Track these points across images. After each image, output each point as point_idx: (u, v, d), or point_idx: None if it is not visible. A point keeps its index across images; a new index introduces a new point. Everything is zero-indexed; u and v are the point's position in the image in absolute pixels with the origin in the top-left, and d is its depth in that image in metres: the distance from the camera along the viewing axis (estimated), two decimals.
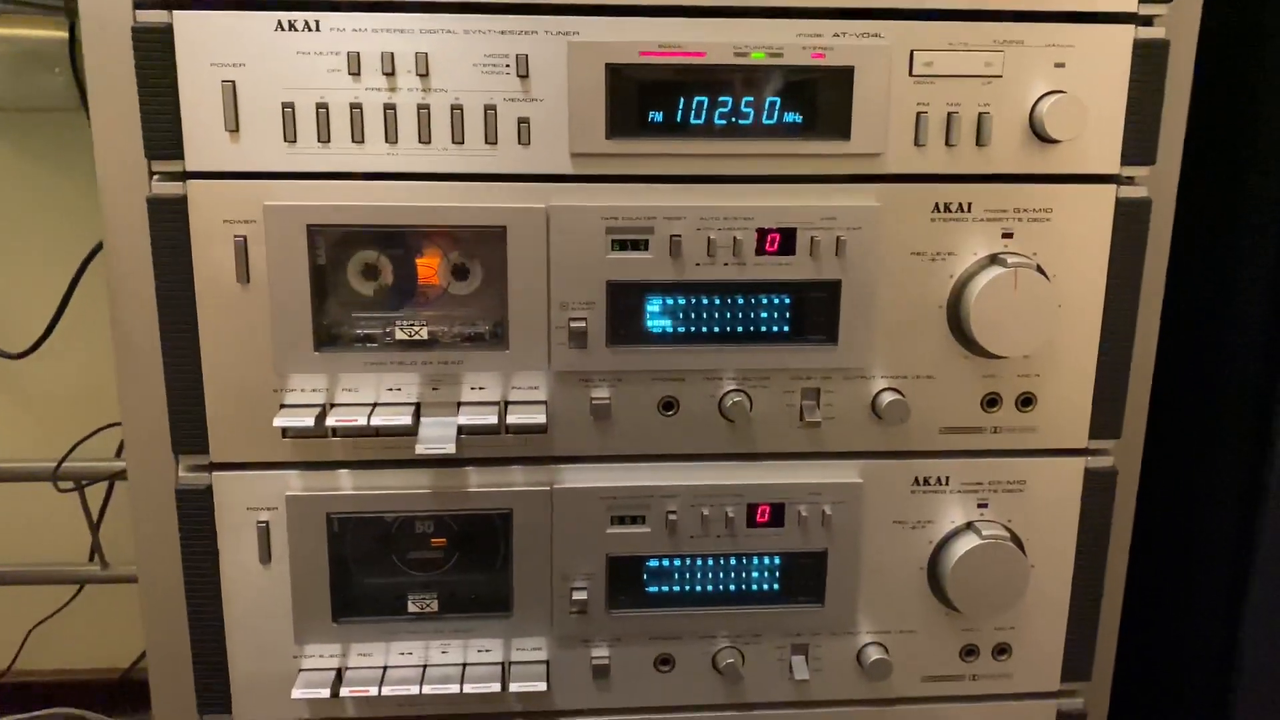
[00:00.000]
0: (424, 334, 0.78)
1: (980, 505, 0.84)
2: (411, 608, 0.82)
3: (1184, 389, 0.95)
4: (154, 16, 0.71)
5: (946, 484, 0.83)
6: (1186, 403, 0.96)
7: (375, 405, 0.78)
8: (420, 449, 0.76)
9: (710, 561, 0.84)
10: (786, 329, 0.80)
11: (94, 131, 0.75)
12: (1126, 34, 0.76)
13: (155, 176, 0.74)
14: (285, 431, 0.77)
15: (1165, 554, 1.00)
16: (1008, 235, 0.79)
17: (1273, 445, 0.86)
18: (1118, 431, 0.84)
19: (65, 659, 1.50)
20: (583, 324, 0.77)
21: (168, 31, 0.71)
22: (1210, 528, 0.94)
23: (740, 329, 0.80)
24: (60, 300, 1.24)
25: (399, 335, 0.78)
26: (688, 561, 0.83)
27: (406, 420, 0.76)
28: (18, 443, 1.39)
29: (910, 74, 0.76)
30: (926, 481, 0.83)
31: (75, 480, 1.29)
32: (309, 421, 0.75)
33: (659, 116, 0.75)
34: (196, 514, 0.79)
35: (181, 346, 0.76)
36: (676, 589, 0.84)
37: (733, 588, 0.84)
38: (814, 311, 0.79)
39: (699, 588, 0.84)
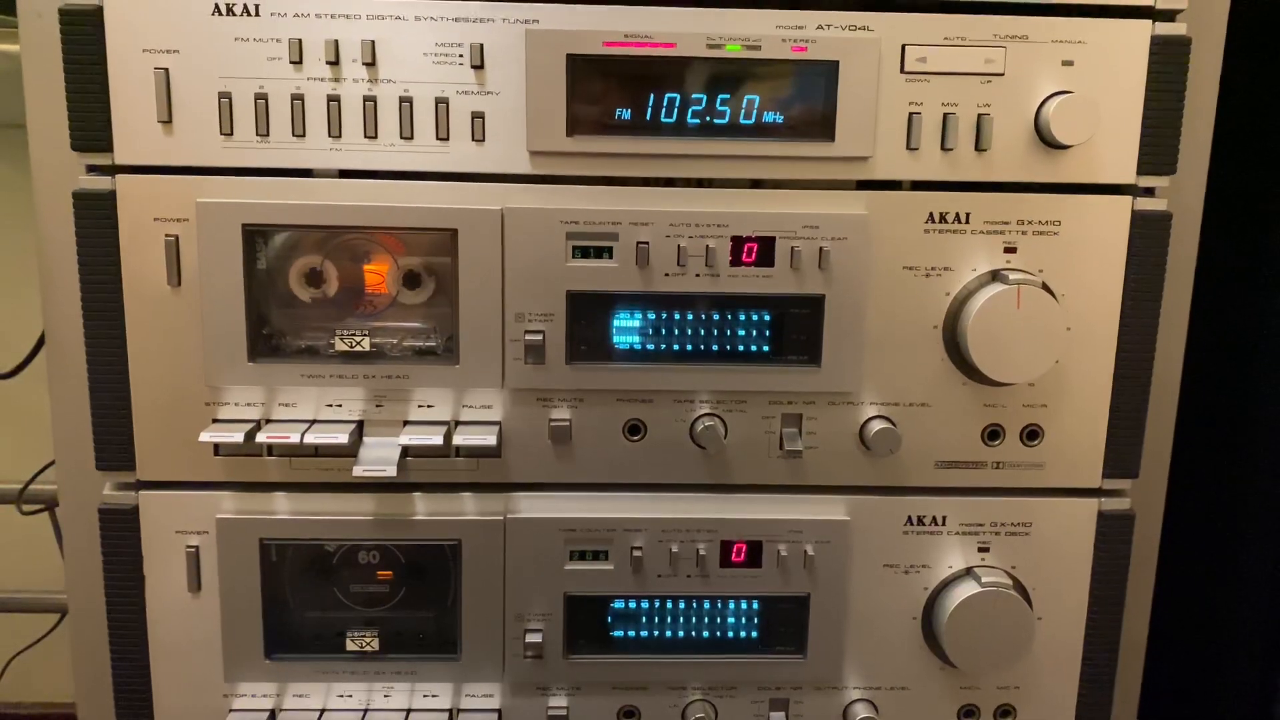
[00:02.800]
0: (367, 345, 0.72)
1: (981, 549, 0.76)
2: (351, 646, 0.75)
3: (1214, 422, 0.86)
4: None
5: (943, 524, 0.75)
6: (1216, 438, 0.87)
7: (313, 422, 0.72)
8: (359, 470, 0.70)
9: (680, 604, 0.76)
10: (765, 348, 0.73)
11: (29, 124, 0.71)
12: (1143, 30, 0.69)
13: (83, 170, 0.69)
14: (216, 448, 0.71)
15: (1193, 604, 0.90)
16: (1011, 249, 0.72)
17: None
18: (1135, 470, 0.75)
19: (48, 690, 1.44)
20: (540, 337, 0.71)
21: (98, 14, 0.67)
22: (1244, 575, 0.85)
23: (714, 346, 0.73)
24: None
25: (340, 346, 0.72)
26: (655, 604, 0.76)
27: (343, 439, 0.70)
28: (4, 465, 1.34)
29: (902, 70, 0.69)
30: (921, 521, 0.75)
31: (47, 503, 1.24)
32: (239, 437, 0.69)
33: (625, 113, 0.69)
34: (121, 536, 0.73)
35: (107, 353, 0.71)
36: (643, 634, 0.76)
37: (705, 634, 0.77)
38: (795, 329, 0.72)
39: (667, 633, 0.76)
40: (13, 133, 1.25)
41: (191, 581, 0.73)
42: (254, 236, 0.70)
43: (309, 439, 0.70)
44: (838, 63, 0.69)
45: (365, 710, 0.76)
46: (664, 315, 0.72)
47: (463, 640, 0.75)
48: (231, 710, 0.75)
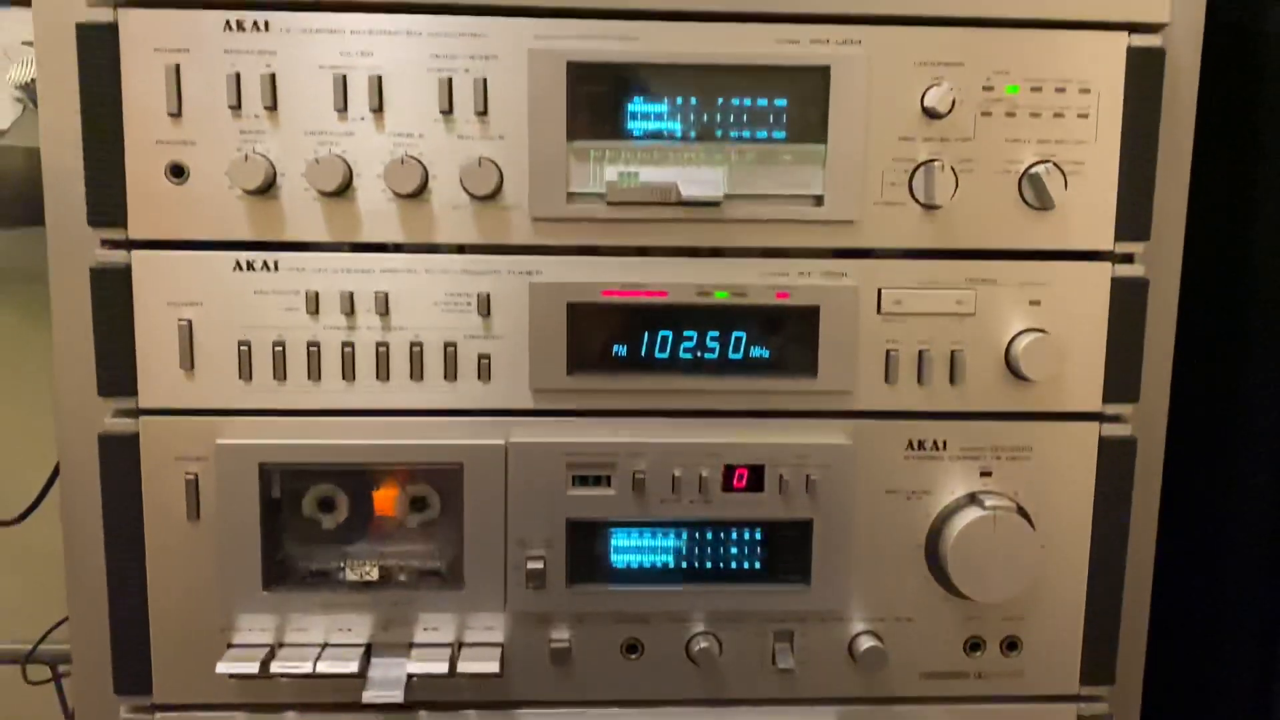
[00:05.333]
0: (375, 574, 0.75)
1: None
2: None
3: (1183, 627, 0.90)
4: (114, 257, 0.71)
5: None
6: (1186, 642, 0.91)
7: (325, 646, 0.75)
8: (368, 696, 0.72)
9: None
10: (758, 566, 0.76)
11: (54, 363, 0.75)
12: (1104, 271, 0.75)
13: (109, 413, 0.73)
14: (231, 677, 0.74)
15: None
16: (986, 474, 0.76)
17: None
18: (1111, 677, 0.78)
19: None
20: (541, 564, 0.74)
21: (126, 272, 0.71)
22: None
23: (709, 565, 0.76)
24: (51, 471, 1.23)
25: (350, 576, 0.75)
26: None
27: (354, 667, 0.73)
28: (9, 614, 1.35)
29: (879, 311, 0.74)
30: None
31: (50, 663, 1.26)
32: (253, 668, 0.72)
33: (622, 351, 0.74)
34: None
35: (128, 586, 0.74)
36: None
37: None
38: (786, 551, 0.76)
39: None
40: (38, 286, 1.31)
41: None
42: (270, 471, 0.74)
43: (321, 668, 0.73)
44: (818, 307, 0.73)
45: None
46: (659, 539, 0.76)
47: None
48: None
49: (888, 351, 0.74)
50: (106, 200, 0.70)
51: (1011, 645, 0.78)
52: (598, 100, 0.71)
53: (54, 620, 1.25)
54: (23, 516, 1.24)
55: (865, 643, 0.76)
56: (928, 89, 0.71)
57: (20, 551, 1.37)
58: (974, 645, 0.78)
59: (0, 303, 1.35)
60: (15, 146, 0.80)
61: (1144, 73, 0.72)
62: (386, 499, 0.76)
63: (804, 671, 0.77)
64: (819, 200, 0.72)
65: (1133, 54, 0.72)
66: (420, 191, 0.71)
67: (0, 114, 1.06)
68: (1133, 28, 0.72)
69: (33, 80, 0.98)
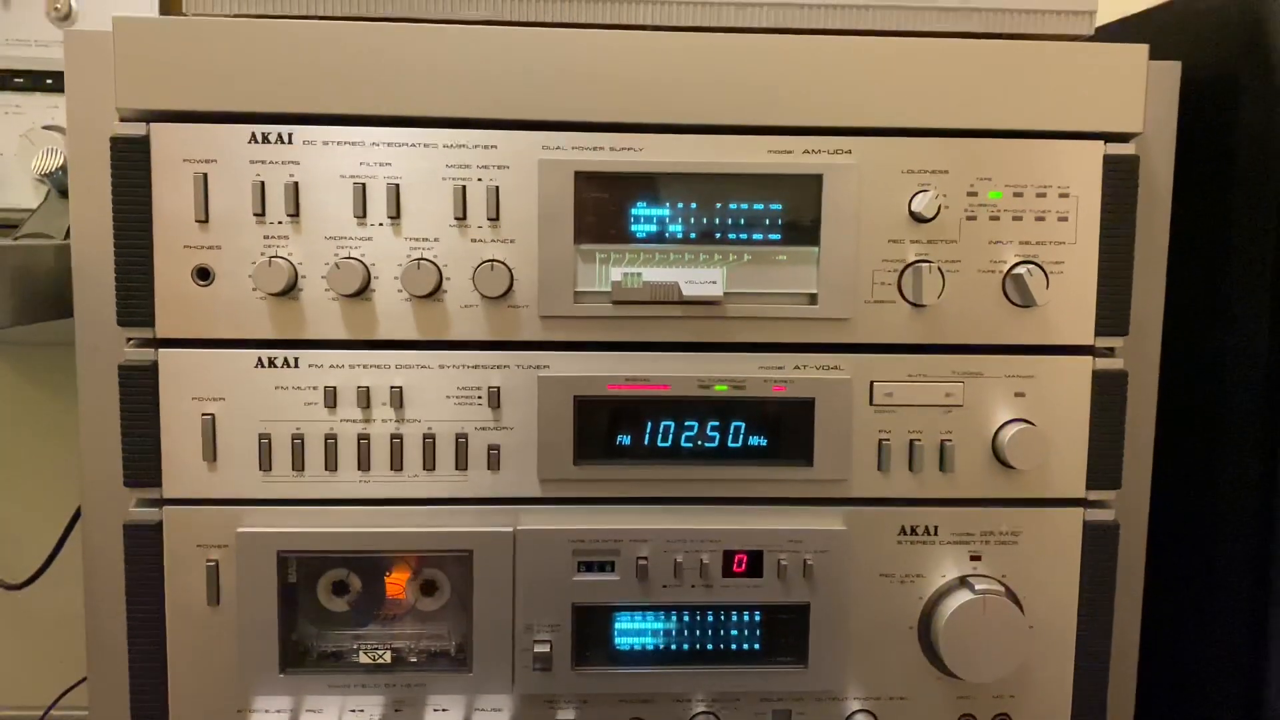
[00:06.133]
0: (388, 657, 0.78)
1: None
2: None
3: (1170, 704, 0.93)
4: (141, 355, 0.74)
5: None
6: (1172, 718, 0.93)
7: None
8: None
9: None
10: (757, 647, 0.79)
11: (82, 456, 0.78)
12: (1085, 365, 0.78)
13: (134, 503, 0.76)
14: None
15: None
16: (976, 558, 0.79)
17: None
18: None
19: None
20: (547, 648, 0.77)
21: (153, 369, 0.74)
22: None
23: (710, 647, 0.79)
24: (61, 532, 1.25)
25: (363, 659, 0.78)
26: None
27: None
28: (11, 681, 1.37)
29: (871, 403, 0.77)
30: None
31: None
32: None
33: (626, 440, 0.77)
34: None
35: (149, 668, 0.76)
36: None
37: None
38: (783, 633, 0.79)
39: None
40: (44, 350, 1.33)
41: None
42: (287, 559, 0.77)
43: None
44: (813, 399, 0.77)
45: None
46: (662, 622, 0.78)
47: None
48: None
49: (880, 441, 0.78)
50: (136, 301, 0.74)
51: None
52: (603, 206, 0.75)
53: (63, 687, 1.28)
54: (30, 581, 1.27)
55: None
56: (915, 194, 0.75)
57: (24, 617, 1.39)
58: None
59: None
60: (45, 246, 0.83)
61: (1119, 178, 0.76)
62: (398, 584, 0.79)
63: None
64: (813, 299, 0.76)
65: (1109, 161, 0.76)
66: (435, 292, 0.75)
67: (22, 195, 1.10)
68: (1108, 137, 0.76)
69: (58, 168, 1.02)
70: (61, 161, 1.02)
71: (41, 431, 1.37)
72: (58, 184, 1.03)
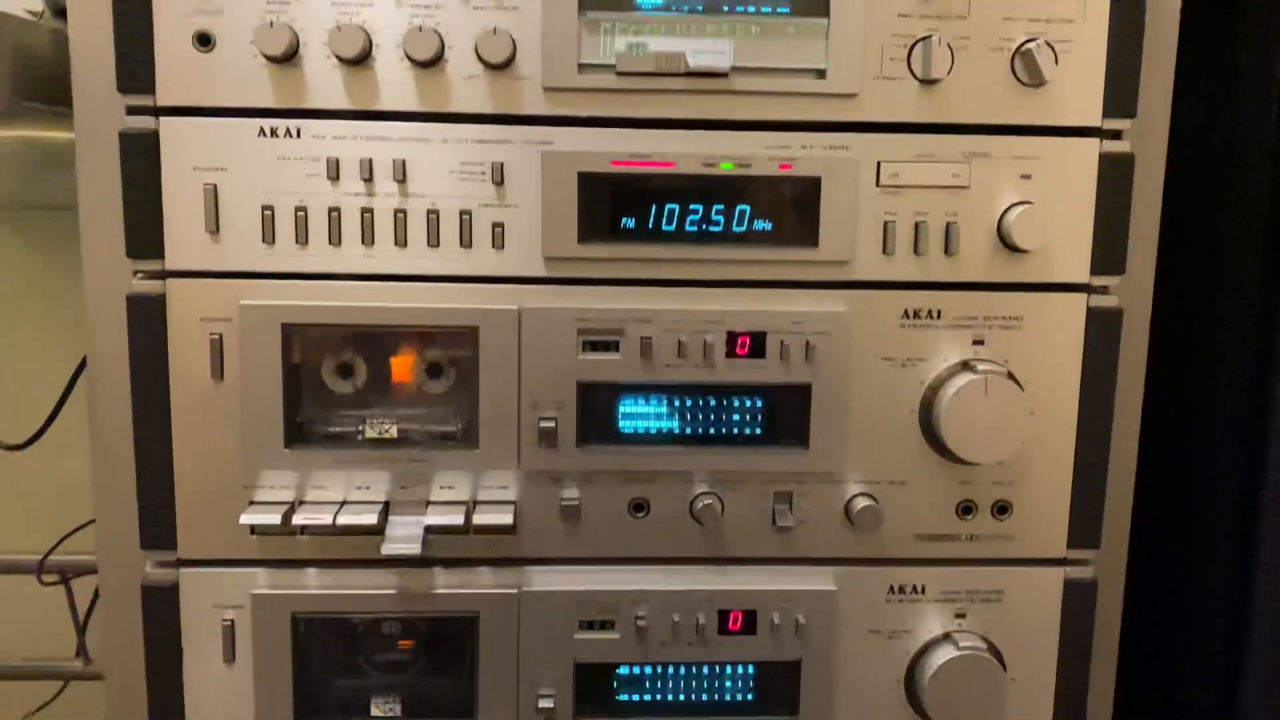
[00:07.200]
0: (394, 432, 0.78)
1: (958, 616, 0.82)
2: (375, 711, 0.81)
3: (1170, 495, 0.94)
4: (142, 123, 0.74)
5: (923, 592, 0.82)
6: (1173, 509, 0.94)
7: (343, 503, 0.78)
8: (386, 549, 0.76)
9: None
10: (759, 431, 0.80)
11: (81, 233, 0.77)
12: (1092, 147, 0.78)
13: (136, 275, 0.76)
14: (253, 529, 0.77)
15: (1155, 664, 0.97)
16: (979, 342, 0.79)
17: (1257, 552, 0.84)
18: (1096, 541, 0.82)
19: None
20: (553, 424, 0.77)
21: (154, 137, 0.74)
22: (1199, 633, 0.92)
23: (712, 430, 0.80)
24: (61, 393, 1.26)
25: (369, 433, 0.78)
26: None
27: (373, 519, 0.76)
28: (11, 534, 1.39)
29: (877, 184, 0.77)
30: (903, 590, 0.82)
31: (61, 574, 1.29)
32: (275, 519, 0.75)
33: (630, 222, 0.77)
34: (162, 611, 0.78)
35: (154, 444, 0.77)
36: (648, 697, 0.82)
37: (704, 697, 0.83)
38: (785, 414, 0.79)
39: (670, 696, 0.82)
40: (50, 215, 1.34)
41: (227, 654, 0.79)
42: (292, 334, 0.77)
43: (341, 520, 0.76)
44: (820, 179, 0.76)
45: None
46: (666, 402, 0.79)
47: (479, 707, 0.81)
48: None
49: (885, 223, 0.78)
50: (135, 67, 0.73)
51: (1002, 509, 0.82)
52: None
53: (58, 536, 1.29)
54: (30, 441, 1.27)
55: (861, 503, 0.80)
56: None
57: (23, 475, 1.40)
58: (966, 509, 0.81)
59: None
60: (42, 24, 0.82)
61: None
62: (404, 365, 0.79)
63: (802, 532, 0.81)
64: (821, 74, 0.75)
65: None
66: (437, 61, 0.74)
67: None
68: None
69: None
70: None
71: (43, 295, 1.37)
72: None
